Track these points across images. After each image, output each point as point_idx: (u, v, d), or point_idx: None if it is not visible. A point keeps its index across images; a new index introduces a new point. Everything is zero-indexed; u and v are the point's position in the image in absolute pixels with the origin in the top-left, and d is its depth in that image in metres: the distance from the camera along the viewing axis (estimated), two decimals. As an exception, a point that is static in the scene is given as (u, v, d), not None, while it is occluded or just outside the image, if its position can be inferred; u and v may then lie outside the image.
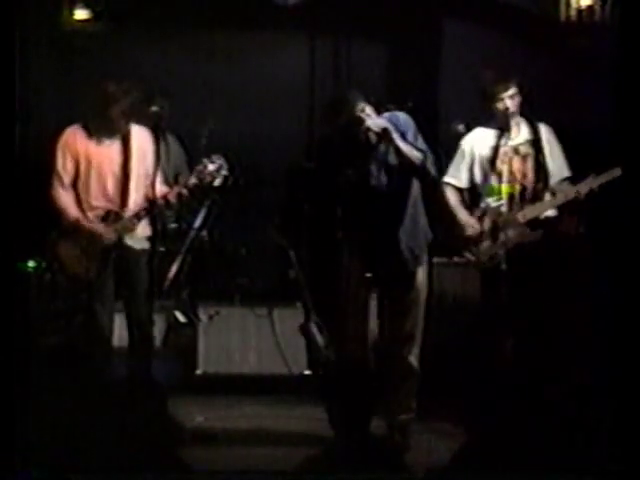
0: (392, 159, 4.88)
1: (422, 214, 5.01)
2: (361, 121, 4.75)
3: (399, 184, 4.93)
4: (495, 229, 5.41)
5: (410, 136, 4.88)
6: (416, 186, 4.96)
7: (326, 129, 5.06)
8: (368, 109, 4.82)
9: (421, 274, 5.00)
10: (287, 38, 7.66)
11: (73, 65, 7.04)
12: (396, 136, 4.77)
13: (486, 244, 5.43)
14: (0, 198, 3.98)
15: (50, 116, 6.57)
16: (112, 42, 7.14)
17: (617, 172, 5.12)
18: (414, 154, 4.82)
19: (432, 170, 4.89)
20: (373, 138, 4.79)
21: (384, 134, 4.75)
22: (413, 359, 5.01)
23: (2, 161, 3.99)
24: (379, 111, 4.94)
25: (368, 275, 4.91)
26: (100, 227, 5.31)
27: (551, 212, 5.46)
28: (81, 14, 7.10)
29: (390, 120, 4.88)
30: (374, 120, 4.79)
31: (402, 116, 4.98)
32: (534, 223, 5.39)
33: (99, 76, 5.45)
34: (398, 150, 4.80)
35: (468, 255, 5.47)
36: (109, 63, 6.97)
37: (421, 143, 4.90)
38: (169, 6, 7.21)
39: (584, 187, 5.28)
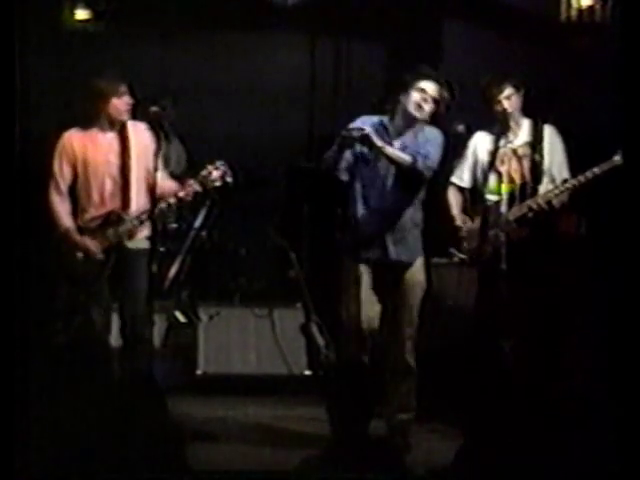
0: (383, 164, 4.98)
1: (420, 219, 5.09)
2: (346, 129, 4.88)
3: (393, 189, 5.02)
4: (485, 228, 5.42)
5: (429, 146, 4.96)
6: (407, 193, 5.06)
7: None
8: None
9: (415, 274, 5.09)
10: (287, 38, 7.65)
11: (73, 65, 7.03)
12: (376, 139, 4.85)
13: (475, 242, 5.45)
14: (0, 198, 3.97)
15: (50, 116, 6.56)
16: (112, 42, 7.14)
17: (596, 171, 5.17)
18: (401, 157, 4.93)
19: (425, 172, 4.95)
20: (354, 144, 4.90)
21: (365, 139, 4.85)
22: (409, 356, 5.06)
23: (2, 161, 3.98)
24: None
25: (362, 275, 5.02)
26: (89, 242, 5.27)
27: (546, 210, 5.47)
28: (81, 14, 7.09)
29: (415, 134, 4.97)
30: (353, 127, 4.88)
31: (428, 130, 5.05)
32: (526, 221, 5.39)
33: (97, 73, 5.44)
34: (385, 155, 4.92)
35: (457, 253, 5.50)
36: (109, 63, 6.96)
37: (433, 153, 4.96)
38: (169, 6, 7.21)
39: (558, 193, 5.31)
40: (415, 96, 4.96)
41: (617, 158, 5.08)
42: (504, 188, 5.42)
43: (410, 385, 5.11)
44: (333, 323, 6.19)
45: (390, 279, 5.08)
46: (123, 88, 5.30)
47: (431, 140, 4.99)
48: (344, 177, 5.04)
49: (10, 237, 3.97)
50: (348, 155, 5.00)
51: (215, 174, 5.32)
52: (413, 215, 5.08)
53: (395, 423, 5.07)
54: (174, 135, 6.87)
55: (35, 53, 6.40)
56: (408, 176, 4.96)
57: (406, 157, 4.92)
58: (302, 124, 7.66)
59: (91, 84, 5.31)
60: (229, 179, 5.34)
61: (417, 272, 5.10)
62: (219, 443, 5.21)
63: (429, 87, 4.97)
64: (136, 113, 5.39)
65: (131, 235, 5.29)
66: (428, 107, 4.96)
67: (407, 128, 5.02)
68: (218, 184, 5.34)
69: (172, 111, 6.79)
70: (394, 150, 4.93)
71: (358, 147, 4.95)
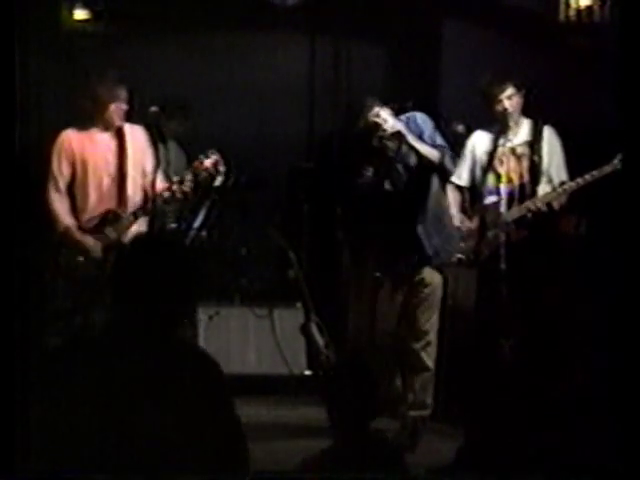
0: (412, 159, 5.04)
1: (447, 211, 5.18)
2: (377, 126, 4.90)
3: (419, 183, 5.08)
4: (483, 228, 5.43)
5: (427, 134, 5.04)
6: (436, 184, 5.11)
7: (344, 134, 5.23)
8: (383, 112, 4.93)
9: (434, 276, 5.23)
10: (287, 38, 7.65)
11: (73, 65, 7.03)
12: (411, 137, 4.94)
13: (473, 242, 5.46)
14: (0, 198, 3.97)
15: (50, 116, 6.56)
16: (112, 42, 7.14)
17: (596, 174, 5.17)
18: (432, 153, 5.07)
19: (450, 165, 5.06)
20: (389, 142, 4.94)
21: (398, 137, 4.90)
22: (424, 355, 5.11)
23: (2, 161, 3.98)
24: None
25: (378, 274, 5.06)
26: (89, 240, 5.27)
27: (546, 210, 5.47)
28: (81, 14, 7.10)
29: (407, 121, 5.03)
30: (389, 124, 4.92)
31: (419, 115, 5.18)
32: (524, 222, 5.39)
33: (99, 76, 5.45)
34: (416, 150, 4.99)
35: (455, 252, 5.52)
36: (109, 63, 6.96)
37: (439, 140, 5.06)
38: (169, 6, 7.21)
39: (557, 195, 5.31)
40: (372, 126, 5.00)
41: (617, 162, 5.09)
42: (503, 188, 5.42)
43: (426, 384, 5.17)
44: (333, 323, 6.21)
45: (409, 281, 5.15)
46: (123, 94, 5.31)
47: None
48: (387, 187, 5.11)
49: (10, 237, 3.97)
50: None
51: (207, 162, 5.31)
52: (444, 216, 5.23)
53: (408, 420, 5.14)
54: (172, 136, 6.87)
55: (35, 53, 6.40)
56: (436, 172, 5.04)
57: (435, 152, 5.03)
58: (302, 124, 7.66)
59: (91, 89, 5.31)
60: (222, 168, 5.34)
61: (435, 274, 5.23)
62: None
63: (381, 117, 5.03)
64: (132, 117, 5.41)
65: (127, 230, 5.29)
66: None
67: None
68: (219, 180, 5.34)
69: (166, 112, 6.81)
70: (423, 145, 4.99)
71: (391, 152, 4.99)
